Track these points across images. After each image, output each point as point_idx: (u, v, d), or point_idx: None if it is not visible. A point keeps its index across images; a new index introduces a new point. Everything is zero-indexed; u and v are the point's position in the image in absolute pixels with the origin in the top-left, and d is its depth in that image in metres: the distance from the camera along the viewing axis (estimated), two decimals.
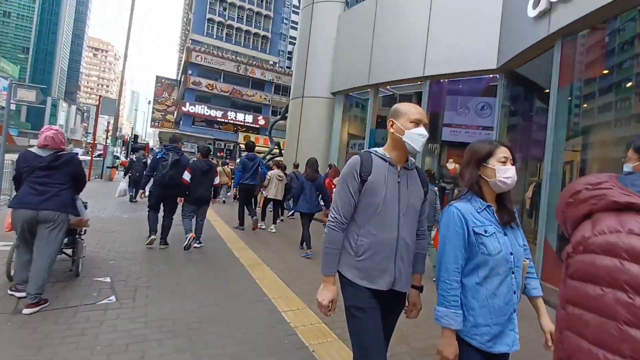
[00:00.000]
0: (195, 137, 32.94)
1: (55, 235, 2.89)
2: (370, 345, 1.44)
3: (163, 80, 43.38)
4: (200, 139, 32.98)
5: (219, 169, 11.82)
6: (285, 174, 8.62)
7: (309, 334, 2.71)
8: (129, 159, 14.60)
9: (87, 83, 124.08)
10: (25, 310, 2.64)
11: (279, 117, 17.68)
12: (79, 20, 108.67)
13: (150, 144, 34.70)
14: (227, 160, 15.31)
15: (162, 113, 41.54)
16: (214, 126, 34.87)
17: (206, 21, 37.36)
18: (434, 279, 1.61)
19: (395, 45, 7.64)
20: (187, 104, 33.60)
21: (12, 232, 3.00)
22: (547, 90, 5.24)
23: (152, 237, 4.81)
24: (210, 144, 32.78)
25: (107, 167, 16.02)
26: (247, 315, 2.99)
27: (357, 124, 10.32)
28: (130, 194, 9.55)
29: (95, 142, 18.51)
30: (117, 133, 21.62)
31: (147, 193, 5.19)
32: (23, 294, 2.79)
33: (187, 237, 4.84)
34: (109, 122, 26.37)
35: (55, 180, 2.93)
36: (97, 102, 17.55)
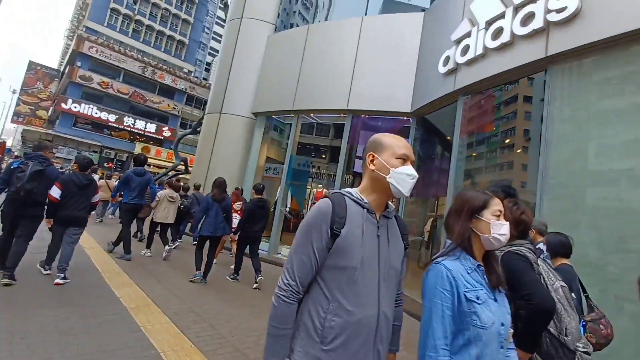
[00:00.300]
0: (76, 142, 27.65)
1: None
2: None
3: (39, 68, 35.67)
4: (83, 144, 27.84)
5: (102, 182, 10.04)
6: (186, 195, 7.73)
7: None
8: None
9: None
10: None
11: (189, 130, 16.24)
12: None
13: (8, 144, 27.64)
14: (112, 173, 13.31)
15: (32, 107, 33.69)
16: (104, 131, 29.94)
17: (109, 10, 32.62)
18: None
19: (322, 74, 7.87)
20: (70, 100, 28.09)
21: None
22: (449, 137, 6.09)
23: None
24: (95, 151, 28.01)
25: None
26: None
27: (276, 148, 10.12)
28: None
29: None
30: None
31: None
32: None
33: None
34: None
35: None
36: None
